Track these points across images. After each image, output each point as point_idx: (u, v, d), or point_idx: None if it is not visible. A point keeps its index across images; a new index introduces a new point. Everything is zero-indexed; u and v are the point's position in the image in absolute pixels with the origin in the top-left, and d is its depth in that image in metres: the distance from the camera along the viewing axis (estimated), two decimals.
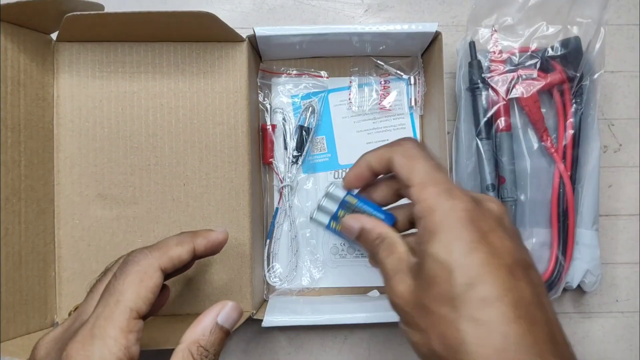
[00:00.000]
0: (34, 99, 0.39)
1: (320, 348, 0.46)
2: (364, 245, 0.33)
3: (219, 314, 0.28)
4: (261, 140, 0.46)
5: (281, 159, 0.46)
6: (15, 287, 0.37)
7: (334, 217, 0.35)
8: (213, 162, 0.42)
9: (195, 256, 0.32)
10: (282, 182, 0.45)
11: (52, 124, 0.41)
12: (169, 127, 0.42)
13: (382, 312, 0.41)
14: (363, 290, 0.46)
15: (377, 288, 0.46)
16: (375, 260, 0.32)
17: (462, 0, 0.48)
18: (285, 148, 0.46)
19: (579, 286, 0.43)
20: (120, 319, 0.26)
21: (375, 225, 0.32)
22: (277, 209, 0.46)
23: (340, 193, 0.35)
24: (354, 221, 0.33)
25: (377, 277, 0.46)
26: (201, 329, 0.27)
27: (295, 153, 0.45)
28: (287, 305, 0.43)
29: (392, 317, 0.40)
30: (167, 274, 0.30)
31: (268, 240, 0.45)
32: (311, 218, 0.36)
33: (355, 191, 0.35)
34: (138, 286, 0.27)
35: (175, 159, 0.42)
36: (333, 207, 0.35)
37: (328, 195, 0.35)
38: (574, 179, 0.42)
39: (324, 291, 0.46)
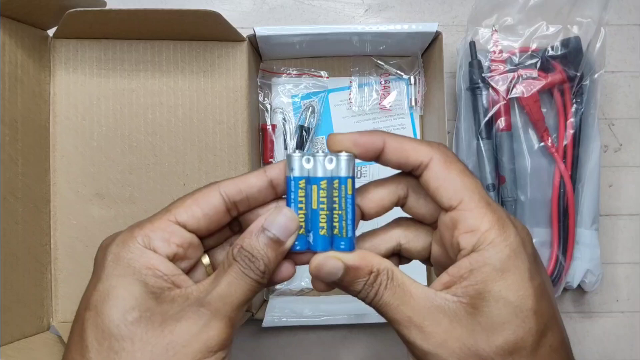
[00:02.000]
0: (30, 96, 0.39)
1: (319, 348, 0.46)
2: (350, 287, 0.25)
3: (267, 218, 0.24)
4: (261, 140, 0.46)
5: (281, 158, 0.46)
6: (12, 289, 0.36)
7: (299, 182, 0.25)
8: (213, 162, 0.41)
9: (273, 183, 0.25)
10: None
11: (49, 121, 0.40)
12: (168, 126, 0.41)
13: None
14: None
15: None
16: (374, 304, 0.25)
17: (462, 0, 0.48)
18: (285, 148, 0.46)
19: (579, 286, 0.43)
20: (156, 217, 0.25)
21: (364, 259, 0.24)
22: None
23: (343, 166, 0.25)
24: (333, 260, 0.24)
25: None
26: (246, 232, 0.25)
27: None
28: (287, 305, 0.43)
29: None
30: (238, 207, 0.25)
31: None
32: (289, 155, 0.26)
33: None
34: (190, 200, 0.25)
35: (175, 158, 0.41)
36: (314, 171, 0.26)
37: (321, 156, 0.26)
38: (574, 179, 0.42)
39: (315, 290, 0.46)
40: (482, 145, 0.42)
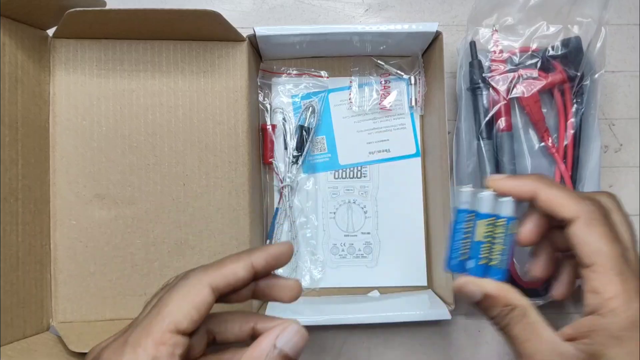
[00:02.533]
0: (30, 97, 0.38)
1: (320, 348, 0.46)
2: (485, 311, 0.29)
3: (277, 336, 0.25)
4: (261, 140, 0.46)
5: (281, 159, 0.46)
6: (13, 290, 0.36)
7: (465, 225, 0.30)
8: (213, 162, 0.41)
9: (257, 273, 0.28)
10: (282, 182, 0.45)
11: (48, 122, 0.40)
12: (168, 126, 0.41)
13: (382, 313, 0.41)
14: (363, 291, 0.45)
15: (377, 288, 0.45)
16: (504, 331, 0.28)
17: (462, 0, 0.48)
18: (286, 148, 0.45)
19: (579, 286, 0.43)
20: (155, 329, 0.24)
21: (502, 291, 0.28)
22: (277, 209, 0.45)
23: (510, 208, 0.30)
24: (474, 286, 0.29)
25: (377, 277, 0.45)
26: (258, 352, 0.25)
27: (295, 153, 0.45)
28: (287, 305, 0.43)
29: (392, 317, 0.40)
30: (225, 295, 0.27)
31: (268, 241, 0.45)
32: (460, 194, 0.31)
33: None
34: (181, 300, 0.25)
35: (175, 159, 0.41)
36: (482, 208, 0.30)
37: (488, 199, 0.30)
38: (574, 179, 0.42)
39: (324, 291, 0.46)
40: (482, 145, 0.42)
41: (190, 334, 0.25)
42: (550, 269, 0.32)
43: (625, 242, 0.27)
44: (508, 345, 0.29)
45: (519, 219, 0.31)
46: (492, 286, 0.28)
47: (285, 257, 0.29)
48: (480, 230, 0.31)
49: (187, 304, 0.25)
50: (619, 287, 0.25)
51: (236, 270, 0.26)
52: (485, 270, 0.31)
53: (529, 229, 0.30)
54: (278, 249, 0.28)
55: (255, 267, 0.27)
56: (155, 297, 0.28)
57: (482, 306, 0.29)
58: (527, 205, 0.31)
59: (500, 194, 0.30)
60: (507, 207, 0.30)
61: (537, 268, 0.32)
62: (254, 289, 0.29)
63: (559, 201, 0.28)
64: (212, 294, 0.25)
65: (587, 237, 0.26)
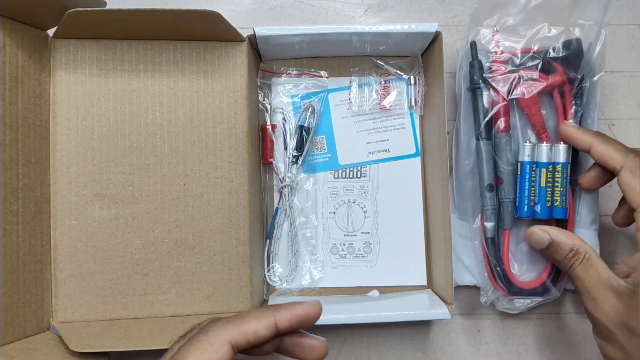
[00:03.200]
0: (31, 97, 0.39)
1: None
2: (552, 256, 0.36)
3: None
4: (261, 140, 0.46)
5: (281, 158, 0.46)
6: (13, 289, 0.36)
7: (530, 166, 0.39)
8: (213, 162, 0.41)
9: (279, 332, 0.27)
10: (282, 182, 0.45)
11: (49, 122, 0.40)
12: (168, 126, 0.41)
13: (382, 312, 0.41)
14: (363, 290, 0.46)
15: (377, 288, 0.45)
16: (568, 272, 0.34)
17: (462, 0, 0.48)
18: (285, 148, 0.46)
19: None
20: None
21: (567, 238, 0.35)
22: (277, 209, 0.45)
23: (563, 154, 0.39)
24: (542, 233, 0.36)
25: (376, 277, 0.46)
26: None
27: (295, 153, 0.45)
28: None
29: (392, 317, 0.41)
30: (245, 350, 0.26)
31: (268, 240, 0.45)
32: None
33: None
34: (199, 357, 0.24)
35: (175, 159, 0.41)
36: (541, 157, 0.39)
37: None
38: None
39: (324, 291, 0.46)
40: (481, 145, 0.42)
41: None
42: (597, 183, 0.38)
43: None
44: (573, 284, 0.35)
45: (570, 163, 0.40)
46: (557, 233, 0.35)
47: (312, 319, 0.27)
48: (543, 177, 0.40)
49: None
50: None
51: (258, 329, 0.26)
52: (550, 211, 0.40)
53: (589, 176, 0.37)
54: (305, 310, 0.27)
55: (278, 327, 0.26)
56: (176, 344, 0.27)
57: (549, 251, 0.35)
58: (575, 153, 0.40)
59: (564, 138, 0.38)
60: (563, 154, 0.40)
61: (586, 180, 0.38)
62: (278, 345, 0.28)
63: (608, 153, 0.34)
64: (231, 351, 0.25)
65: (632, 182, 0.32)
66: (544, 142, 0.41)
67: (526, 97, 0.42)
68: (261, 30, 0.40)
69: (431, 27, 0.40)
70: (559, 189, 0.40)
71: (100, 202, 0.41)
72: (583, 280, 0.34)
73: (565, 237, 0.35)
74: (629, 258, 0.34)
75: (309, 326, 0.27)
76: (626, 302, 0.31)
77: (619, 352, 0.32)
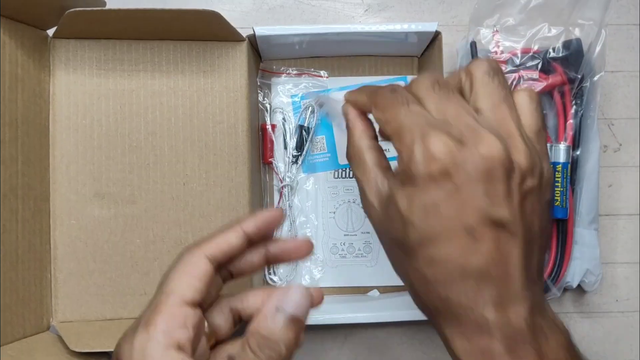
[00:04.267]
0: (30, 95, 0.39)
1: (320, 348, 0.46)
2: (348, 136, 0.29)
3: (279, 299, 0.25)
4: (261, 140, 0.46)
5: (281, 158, 0.46)
6: (13, 288, 0.36)
7: None
8: (213, 161, 0.41)
9: (250, 239, 0.28)
10: (282, 182, 0.45)
11: (48, 121, 0.40)
12: (168, 126, 0.41)
13: (382, 312, 0.41)
14: (363, 290, 0.46)
15: (377, 288, 0.45)
16: (351, 156, 0.29)
17: (462, 0, 0.48)
18: (285, 148, 0.46)
19: (579, 286, 0.43)
20: (163, 307, 0.24)
21: (365, 130, 0.28)
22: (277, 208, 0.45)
23: (563, 154, 0.40)
24: (351, 112, 0.29)
25: (377, 277, 0.45)
26: (260, 316, 0.25)
27: (295, 153, 0.45)
28: None
29: (392, 317, 0.40)
30: (225, 264, 0.27)
31: None
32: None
33: None
34: (182, 275, 0.25)
35: (175, 158, 0.41)
36: None
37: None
38: (573, 180, 0.42)
39: (323, 291, 0.45)
40: None
41: (201, 305, 0.25)
42: None
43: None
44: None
45: (570, 163, 0.40)
46: (357, 122, 0.29)
47: (275, 221, 0.28)
48: None
49: (187, 277, 0.25)
50: (409, 135, 0.25)
51: (228, 239, 0.27)
52: (551, 211, 0.37)
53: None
54: (268, 214, 0.28)
55: (247, 233, 0.27)
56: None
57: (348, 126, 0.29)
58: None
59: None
60: (563, 154, 0.40)
61: None
62: (267, 256, 0.29)
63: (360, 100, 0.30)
64: (209, 263, 0.26)
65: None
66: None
67: None
68: (261, 30, 0.40)
69: (431, 27, 0.40)
70: (559, 189, 0.40)
71: (100, 201, 0.41)
72: (360, 172, 0.28)
73: (363, 128, 0.29)
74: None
75: (274, 229, 0.29)
76: (381, 211, 0.26)
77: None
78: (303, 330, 0.25)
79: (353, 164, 0.29)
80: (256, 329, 0.24)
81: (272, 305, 0.24)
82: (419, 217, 0.23)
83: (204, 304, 0.26)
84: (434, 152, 0.23)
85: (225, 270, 0.28)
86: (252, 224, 0.27)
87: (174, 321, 0.24)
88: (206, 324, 0.27)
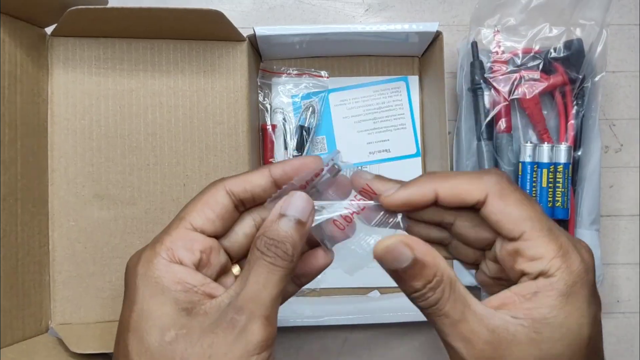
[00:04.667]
0: (29, 95, 0.38)
1: (320, 349, 0.45)
2: (407, 281, 0.24)
3: (282, 206, 0.25)
4: (261, 140, 0.45)
5: (281, 159, 0.45)
6: (12, 291, 0.36)
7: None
8: (213, 162, 0.41)
9: (276, 182, 0.26)
10: None
11: (47, 121, 0.40)
12: (168, 126, 0.41)
13: (382, 313, 0.41)
14: (363, 291, 0.45)
15: (378, 289, 0.45)
16: (430, 309, 0.24)
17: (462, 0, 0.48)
18: (286, 148, 0.45)
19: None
20: (173, 228, 0.25)
21: (433, 256, 0.23)
22: None
23: (564, 155, 0.38)
24: (404, 248, 0.23)
25: (377, 278, 0.45)
26: (266, 222, 0.25)
27: (295, 153, 0.45)
28: (288, 305, 0.42)
29: (392, 317, 0.40)
30: (245, 202, 0.26)
31: None
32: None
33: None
34: (198, 203, 0.26)
35: (175, 159, 0.41)
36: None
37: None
38: (574, 180, 0.42)
39: (324, 292, 0.45)
40: (483, 146, 0.42)
41: (214, 236, 0.26)
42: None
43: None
44: (438, 330, 0.24)
45: (571, 164, 0.40)
46: (424, 249, 0.23)
47: (306, 167, 0.26)
48: (544, 177, 0.39)
49: (202, 205, 0.26)
50: (555, 245, 0.23)
51: (253, 177, 0.26)
52: (552, 211, 0.40)
53: (407, 196, 0.26)
54: (299, 160, 0.27)
55: (274, 176, 0.26)
56: None
57: (405, 275, 0.23)
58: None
59: (397, 209, 0.26)
60: (564, 155, 0.40)
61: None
62: (296, 276, 0.28)
63: (462, 188, 0.25)
64: (227, 197, 0.26)
65: (505, 208, 0.24)
66: (545, 143, 0.41)
67: (527, 97, 0.42)
68: (261, 30, 0.40)
69: (432, 27, 0.40)
70: (560, 190, 0.40)
71: (99, 203, 0.40)
72: (456, 322, 0.23)
73: (432, 255, 0.23)
74: (517, 287, 0.24)
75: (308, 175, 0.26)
76: (526, 348, 0.22)
77: None
78: (306, 236, 0.25)
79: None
80: (262, 233, 0.24)
81: (276, 211, 0.25)
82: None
83: (220, 234, 0.26)
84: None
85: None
86: (280, 168, 0.27)
87: (180, 242, 0.25)
88: (237, 267, 0.27)
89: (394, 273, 0.24)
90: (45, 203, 0.40)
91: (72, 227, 0.40)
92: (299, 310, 0.42)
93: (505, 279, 0.26)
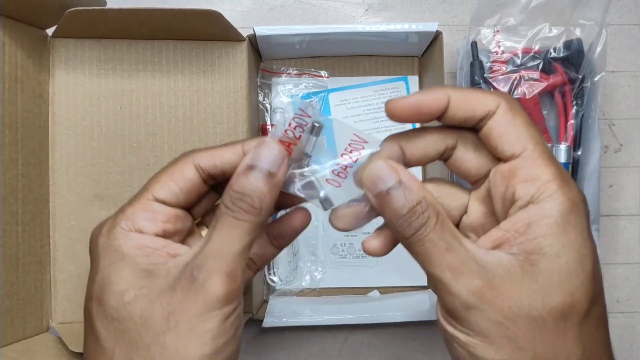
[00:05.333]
0: (30, 96, 0.38)
1: (320, 349, 0.46)
2: (387, 207, 0.23)
3: (251, 156, 0.23)
4: None
5: None
6: (13, 290, 0.36)
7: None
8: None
9: None
10: None
11: (48, 122, 0.40)
12: (168, 127, 0.41)
13: (382, 313, 0.41)
14: (363, 291, 0.45)
15: (377, 288, 0.45)
16: (415, 238, 0.22)
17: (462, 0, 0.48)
18: None
19: None
20: (137, 200, 0.25)
21: (421, 188, 0.22)
22: None
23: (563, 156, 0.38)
24: (389, 169, 0.22)
25: (377, 277, 0.45)
26: (234, 175, 0.23)
27: None
28: (288, 305, 0.43)
29: (392, 317, 0.40)
30: (215, 177, 0.25)
31: None
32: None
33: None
34: (165, 177, 0.25)
35: None
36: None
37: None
38: (574, 180, 0.42)
39: (324, 292, 0.46)
40: None
41: (177, 206, 0.26)
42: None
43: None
44: (422, 265, 0.22)
45: (571, 164, 0.39)
46: (408, 175, 0.23)
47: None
48: None
49: (167, 178, 0.25)
50: (555, 169, 0.22)
51: (224, 153, 0.25)
52: None
53: (422, 142, 0.25)
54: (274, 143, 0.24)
55: (246, 152, 0.25)
56: None
57: (389, 197, 0.22)
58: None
59: (404, 118, 0.24)
60: (564, 154, 0.39)
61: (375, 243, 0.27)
62: (273, 238, 0.28)
63: (475, 97, 0.23)
64: (195, 171, 0.25)
65: (513, 122, 0.22)
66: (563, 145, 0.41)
67: (527, 97, 0.42)
68: (261, 30, 0.40)
69: (432, 27, 0.40)
70: None
71: (100, 203, 0.40)
72: (442, 253, 0.22)
73: (417, 185, 0.22)
74: (506, 222, 0.22)
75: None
76: (520, 281, 0.21)
77: (504, 352, 0.21)
78: (279, 187, 0.24)
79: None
80: (229, 187, 0.23)
81: (244, 163, 0.23)
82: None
83: (185, 207, 0.26)
84: None
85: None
86: (253, 146, 0.25)
87: (141, 213, 0.25)
88: (205, 230, 0.27)
89: (378, 197, 0.23)
90: (46, 203, 0.40)
91: (72, 226, 0.40)
92: (298, 310, 0.42)
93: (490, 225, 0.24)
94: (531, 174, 0.22)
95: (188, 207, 0.27)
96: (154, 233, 0.25)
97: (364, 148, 0.25)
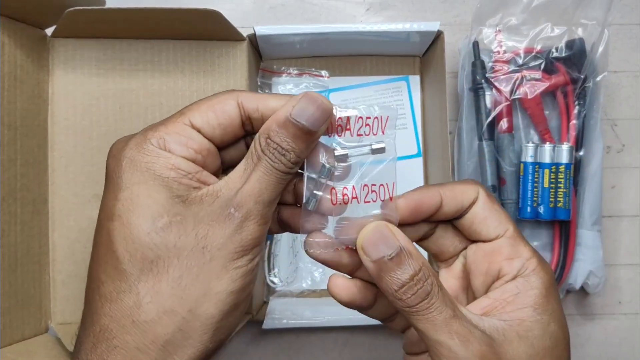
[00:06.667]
0: (29, 96, 0.38)
1: (321, 350, 0.45)
2: (392, 269, 0.22)
3: (293, 106, 0.23)
4: None
5: None
6: (12, 291, 0.36)
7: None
8: None
9: (245, 111, 0.24)
10: None
11: (47, 121, 0.40)
12: None
13: None
14: None
15: None
16: (415, 308, 0.22)
17: None
18: None
19: (582, 288, 0.43)
20: (171, 121, 0.24)
21: (419, 253, 0.23)
22: None
23: (565, 155, 0.39)
24: (390, 235, 0.22)
25: None
26: (271, 120, 0.23)
27: None
28: (288, 307, 0.43)
29: None
30: (252, 126, 0.25)
31: (268, 242, 0.45)
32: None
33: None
34: (205, 106, 0.24)
35: None
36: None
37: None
38: (576, 181, 0.42)
39: (324, 293, 0.45)
40: (484, 146, 0.42)
41: (212, 140, 0.24)
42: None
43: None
44: (422, 334, 0.22)
45: (573, 164, 0.40)
46: (406, 240, 0.23)
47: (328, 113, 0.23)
48: (546, 178, 0.39)
49: (206, 107, 0.24)
50: (529, 247, 0.25)
51: (269, 99, 0.24)
52: (554, 212, 0.40)
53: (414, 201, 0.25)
54: (318, 99, 0.23)
55: (241, 104, 0.25)
56: None
57: (392, 263, 0.22)
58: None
59: (410, 218, 0.25)
60: (566, 155, 0.40)
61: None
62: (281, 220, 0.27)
63: (460, 190, 0.25)
64: (236, 109, 0.24)
65: (493, 207, 0.25)
66: (547, 143, 0.41)
67: (529, 97, 0.41)
68: (262, 30, 0.40)
69: (433, 27, 0.40)
70: (562, 190, 0.40)
71: (99, 203, 0.40)
72: (445, 324, 0.21)
73: (415, 250, 0.23)
74: (494, 291, 0.25)
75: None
76: (517, 346, 0.22)
77: None
78: (316, 141, 0.23)
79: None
80: (266, 132, 0.23)
81: (286, 111, 0.23)
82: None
83: (217, 145, 0.25)
84: None
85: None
86: (246, 96, 0.24)
87: (175, 136, 0.23)
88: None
89: (378, 263, 0.22)
90: (45, 203, 0.40)
91: (72, 226, 0.40)
92: (299, 312, 0.42)
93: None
94: (514, 252, 0.25)
95: (220, 147, 0.25)
96: (182, 156, 0.23)
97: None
